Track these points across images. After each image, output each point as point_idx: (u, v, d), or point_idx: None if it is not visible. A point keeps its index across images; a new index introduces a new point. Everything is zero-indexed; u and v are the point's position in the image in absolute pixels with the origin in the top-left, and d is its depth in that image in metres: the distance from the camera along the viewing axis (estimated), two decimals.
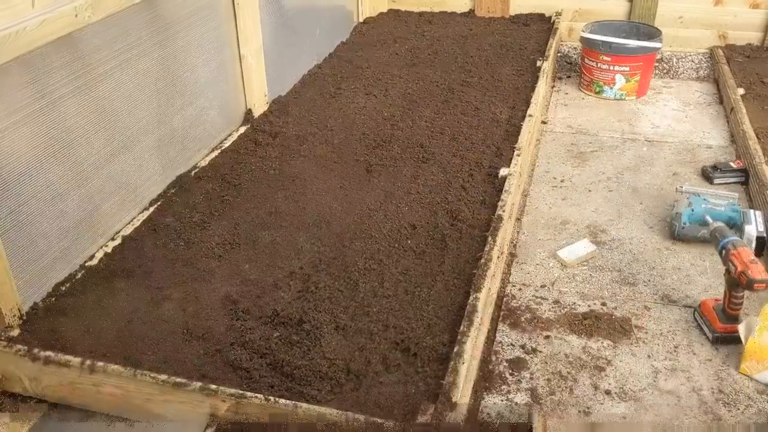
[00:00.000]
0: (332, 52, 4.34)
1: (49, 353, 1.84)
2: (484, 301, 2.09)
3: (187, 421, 1.78)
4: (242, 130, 3.28)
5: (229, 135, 3.23)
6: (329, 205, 2.67)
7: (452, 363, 1.80)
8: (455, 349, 1.85)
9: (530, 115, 3.24)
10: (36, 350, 1.84)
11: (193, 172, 2.90)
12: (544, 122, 3.87)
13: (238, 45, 3.20)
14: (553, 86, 4.38)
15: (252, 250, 2.41)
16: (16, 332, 1.96)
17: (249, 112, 3.37)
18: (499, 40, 4.39)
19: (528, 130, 3.11)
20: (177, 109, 2.82)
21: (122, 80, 2.46)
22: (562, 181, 3.32)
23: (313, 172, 2.91)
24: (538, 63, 3.90)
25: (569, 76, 4.52)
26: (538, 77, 3.69)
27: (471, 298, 2.05)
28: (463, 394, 1.81)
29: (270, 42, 3.50)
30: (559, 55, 4.58)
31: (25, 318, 2.05)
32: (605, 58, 4.00)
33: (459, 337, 1.89)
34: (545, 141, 3.69)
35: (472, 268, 2.26)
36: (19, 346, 1.86)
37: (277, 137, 3.21)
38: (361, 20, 4.85)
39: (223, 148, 3.10)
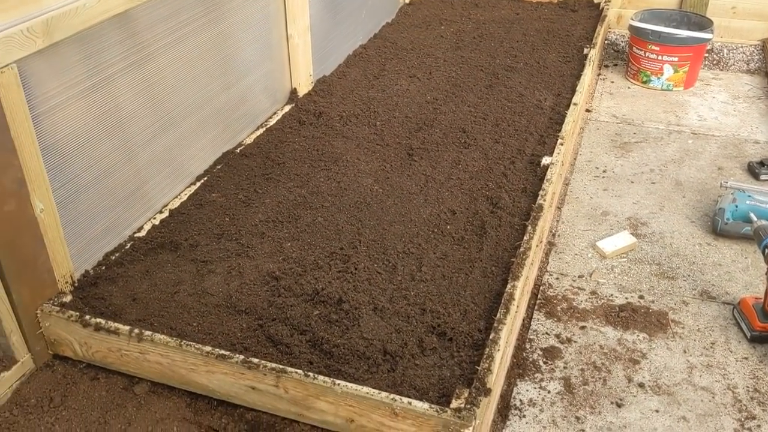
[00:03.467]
0: (377, 32, 4.35)
1: (99, 320, 1.91)
2: (521, 289, 2.11)
3: (229, 392, 1.84)
4: (287, 109, 3.32)
5: (274, 114, 3.27)
6: (370, 187, 2.70)
7: (487, 349, 1.83)
8: (491, 336, 1.87)
9: (575, 104, 3.22)
10: (87, 317, 1.92)
11: (238, 149, 2.96)
12: (588, 111, 3.83)
13: (286, 24, 3.23)
14: (599, 74, 4.32)
15: (294, 229, 2.46)
16: (68, 298, 2.04)
17: (294, 91, 3.41)
18: (546, 26, 4.34)
19: (572, 118, 3.09)
20: (224, 87, 2.86)
21: (173, 58, 2.51)
22: (604, 171, 3.29)
23: (355, 154, 2.94)
24: (585, 50, 3.85)
25: (616, 65, 4.46)
26: (584, 65, 3.65)
27: (508, 286, 2.07)
28: (497, 380, 1.84)
29: (317, 21, 3.53)
30: (606, 42, 4.51)
31: (76, 285, 2.13)
32: (654, 47, 3.94)
33: (495, 325, 1.91)
34: (589, 130, 3.66)
35: (510, 256, 2.27)
36: (71, 312, 1.94)
37: (321, 117, 3.24)
38: (407, 1, 4.84)
39: (267, 126, 3.15)
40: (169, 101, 2.54)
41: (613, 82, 4.23)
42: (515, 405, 2.09)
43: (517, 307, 2.06)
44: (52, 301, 1.99)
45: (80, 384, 1.95)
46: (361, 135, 3.09)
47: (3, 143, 1.75)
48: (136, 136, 2.38)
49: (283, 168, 2.83)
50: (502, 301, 2.00)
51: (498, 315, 1.95)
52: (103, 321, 1.91)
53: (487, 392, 1.71)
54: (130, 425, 1.83)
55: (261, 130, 3.11)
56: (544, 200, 2.49)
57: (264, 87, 3.19)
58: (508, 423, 2.03)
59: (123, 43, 2.26)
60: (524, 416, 2.05)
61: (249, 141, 3.03)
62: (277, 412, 1.83)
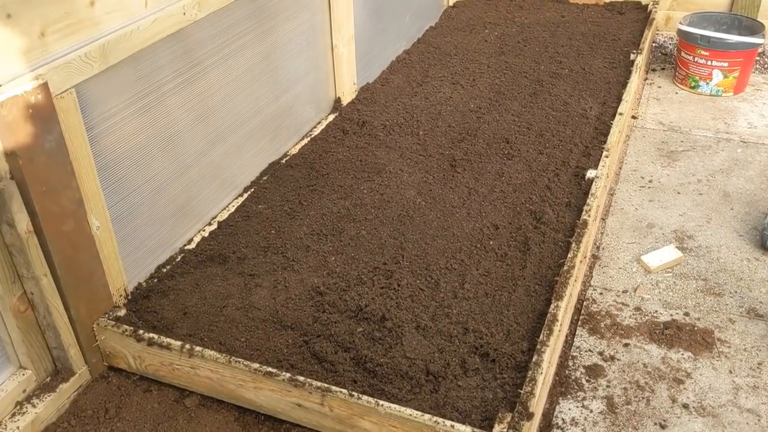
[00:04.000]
0: (421, 37, 4.35)
1: (152, 335, 1.98)
2: (565, 309, 2.12)
3: (276, 408, 1.90)
4: (331, 118, 3.36)
5: (318, 123, 3.32)
6: (413, 200, 2.72)
7: (530, 372, 1.84)
8: (534, 359, 1.88)
9: (621, 114, 3.19)
10: (141, 332, 1.99)
11: (283, 159, 3.01)
12: (634, 117, 3.78)
13: (331, 35, 3.27)
14: (646, 78, 4.26)
15: (338, 242, 2.50)
16: (122, 312, 2.12)
17: (338, 100, 3.45)
18: (592, 29, 4.29)
19: (618, 129, 3.06)
20: (272, 98, 2.92)
21: (224, 72, 2.57)
22: (650, 181, 3.26)
23: (398, 165, 2.97)
24: (632, 56, 3.80)
25: (663, 68, 4.38)
26: (631, 71, 3.60)
27: (552, 306, 2.08)
28: (539, 402, 1.85)
29: (361, 30, 3.56)
30: (654, 44, 4.44)
31: (130, 297, 2.21)
32: (703, 52, 3.86)
33: (538, 347, 1.92)
34: (635, 137, 3.61)
35: (554, 274, 2.27)
36: (126, 327, 2.01)
37: (364, 126, 3.28)
38: (450, 4, 4.83)
39: (312, 136, 3.20)
40: (220, 115, 2.60)
41: (660, 86, 4.16)
42: (557, 424, 2.10)
43: (561, 327, 2.07)
44: (107, 315, 2.06)
45: (134, 395, 2.02)
46: (404, 145, 3.11)
47: (63, 166, 1.82)
48: (187, 151, 2.45)
49: (327, 179, 2.87)
50: (546, 322, 2.01)
51: (541, 336, 1.96)
52: (155, 336, 1.98)
53: (530, 416, 1.73)
54: None
55: (306, 140, 3.16)
56: (589, 216, 2.48)
57: (309, 97, 3.23)
58: None
59: (176, 61, 2.32)
60: None
61: (294, 151, 3.08)
62: (322, 429, 1.88)
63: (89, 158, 1.94)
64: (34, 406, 1.90)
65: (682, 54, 4.01)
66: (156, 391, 2.04)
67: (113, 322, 2.03)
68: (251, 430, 1.93)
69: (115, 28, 2.00)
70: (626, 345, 2.37)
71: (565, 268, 2.23)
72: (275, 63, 2.90)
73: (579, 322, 2.46)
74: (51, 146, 1.77)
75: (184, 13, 2.24)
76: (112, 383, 2.06)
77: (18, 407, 1.90)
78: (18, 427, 1.84)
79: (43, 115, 1.72)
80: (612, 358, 2.32)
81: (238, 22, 2.60)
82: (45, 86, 1.73)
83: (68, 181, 1.85)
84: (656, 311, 2.50)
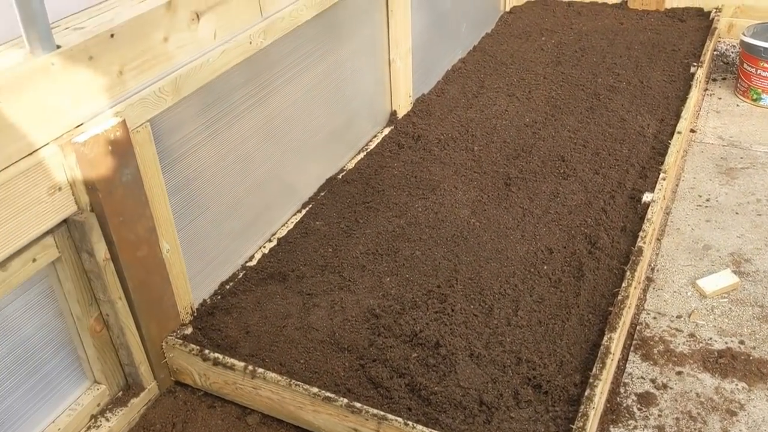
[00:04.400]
0: (477, 44, 4.36)
1: (217, 355, 2.08)
2: (618, 340, 2.13)
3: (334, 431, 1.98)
4: (386, 131, 3.41)
5: (374, 137, 3.38)
6: (467, 220, 2.76)
7: (582, 407, 1.88)
8: (586, 393, 1.92)
9: (679, 132, 3.15)
10: (206, 351, 2.10)
11: (340, 174, 3.08)
12: (693, 131, 3.73)
13: (389, 49, 3.32)
14: (706, 89, 4.18)
15: (393, 262, 2.56)
16: (189, 330, 2.22)
17: (393, 113, 3.50)
18: (651, 38, 4.23)
19: (675, 149, 3.04)
20: (332, 115, 2.99)
21: (289, 93, 2.65)
22: (707, 200, 3.22)
23: (453, 182, 3.01)
24: (692, 69, 3.74)
25: (725, 78, 4.29)
26: (690, 86, 3.55)
27: (605, 338, 2.10)
28: (591, 424, 1.88)
29: (418, 42, 3.59)
30: (715, 53, 4.35)
31: (195, 315, 2.32)
32: (767, 65, 3.77)
33: (591, 380, 1.96)
34: (692, 153, 3.56)
35: (608, 303, 2.29)
36: (193, 346, 2.12)
37: (419, 140, 3.32)
38: (507, 9, 4.81)
39: (368, 150, 3.26)
40: (285, 134, 2.68)
41: (720, 98, 4.08)
42: None
43: (613, 359, 2.09)
44: (175, 334, 2.17)
45: (198, 411, 2.13)
46: (459, 161, 3.15)
47: (138, 197, 1.92)
48: (254, 171, 2.54)
49: (383, 195, 2.93)
50: (599, 354, 2.04)
51: (594, 370, 1.99)
52: (220, 356, 2.08)
53: None
54: None
55: (362, 155, 3.22)
56: (644, 243, 2.48)
57: (366, 112, 3.29)
58: None
59: (244, 87, 2.40)
60: None
61: (350, 166, 3.14)
62: None
63: (161, 186, 2.04)
64: (107, 419, 2.03)
65: (745, 66, 3.92)
66: (220, 407, 2.15)
67: (181, 341, 2.13)
68: None
69: (186, 61, 2.09)
70: (679, 373, 2.37)
71: (619, 297, 2.25)
72: (336, 80, 2.96)
73: (632, 347, 2.46)
74: (128, 179, 1.87)
75: (251, 42, 2.32)
76: (178, 398, 2.17)
77: (92, 420, 2.03)
78: None
79: (121, 150, 1.83)
80: (664, 386, 2.33)
81: (302, 44, 2.67)
82: (123, 123, 1.83)
83: (143, 210, 1.95)
84: (710, 338, 2.50)
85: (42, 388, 1.92)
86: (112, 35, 1.82)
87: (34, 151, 1.68)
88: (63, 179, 1.75)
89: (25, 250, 1.72)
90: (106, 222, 1.83)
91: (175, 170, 2.16)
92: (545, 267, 2.49)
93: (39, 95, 1.66)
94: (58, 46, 1.71)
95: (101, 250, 1.85)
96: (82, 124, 1.78)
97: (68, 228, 1.82)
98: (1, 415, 1.81)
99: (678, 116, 3.32)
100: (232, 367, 2.05)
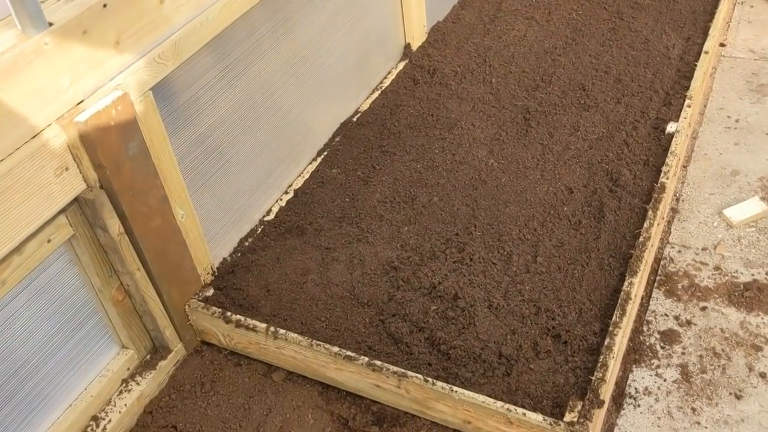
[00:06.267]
0: None
1: (239, 317, 2.11)
2: (639, 284, 2.11)
3: (357, 387, 2.02)
4: (401, 66, 3.31)
5: (389, 73, 3.28)
6: (485, 161, 2.70)
7: (602, 357, 1.88)
8: (606, 342, 1.91)
9: (706, 52, 3.00)
10: (228, 313, 2.13)
11: (355, 117, 3.02)
12: (722, 45, 3.55)
13: None
14: None
15: (411, 210, 2.53)
16: (210, 291, 2.25)
17: (408, 46, 3.38)
18: None
19: (702, 71, 2.90)
20: (347, 53, 2.90)
21: (306, 28, 2.59)
22: (736, 120, 3.09)
23: (470, 119, 2.93)
24: None
25: None
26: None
27: (626, 283, 2.07)
28: (610, 382, 1.89)
29: None
30: None
31: (216, 274, 2.35)
32: None
33: (611, 329, 1.95)
34: (722, 69, 3.40)
35: (629, 246, 2.25)
36: (215, 309, 2.15)
37: (435, 74, 3.22)
38: None
39: (382, 88, 3.17)
40: (302, 77, 2.63)
41: (752, 6, 3.85)
42: (630, 393, 2.13)
43: (634, 302, 2.07)
44: (197, 296, 2.21)
45: (225, 370, 2.19)
46: (476, 95, 3.05)
47: (146, 168, 1.91)
48: (270, 119, 2.50)
49: (399, 138, 2.87)
50: (619, 301, 2.02)
51: (614, 317, 1.98)
52: (242, 318, 2.11)
53: (600, 404, 1.78)
54: (270, 411, 2.05)
55: (376, 94, 3.14)
56: (668, 178, 2.41)
57: (379, 47, 3.18)
58: (622, 413, 2.09)
59: (262, 27, 2.33)
60: (639, 405, 2.10)
61: (365, 107, 3.07)
62: (400, 407, 1.99)
63: (170, 154, 2.02)
64: (138, 383, 2.09)
65: None
66: (246, 365, 2.20)
67: (203, 304, 2.17)
68: (334, 405, 2.07)
69: (185, 21, 2.01)
70: (704, 308, 2.35)
71: (641, 239, 2.21)
72: (352, 15, 2.85)
73: (656, 284, 2.43)
74: (134, 152, 1.85)
75: None
76: (205, 358, 2.23)
77: (124, 384, 2.09)
78: (126, 405, 2.04)
79: (124, 125, 1.80)
80: (688, 322, 2.31)
81: None
82: (124, 96, 1.79)
83: (153, 181, 1.94)
84: (737, 270, 2.45)
85: (74, 356, 1.97)
86: (104, 5, 1.75)
87: (36, 134, 1.66)
88: (69, 159, 1.74)
89: (39, 232, 1.73)
90: (117, 197, 1.83)
91: (183, 135, 2.13)
92: (565, 208, 2.44)
93: (35, 77, 1.62)
94: (50, 24, 1.65)
95: (114, 225, 1.86)
96: (82, 101, 1.74)
97: (80, 206, 1.82)
98: (36, 385, 1.88)
99: (706, 33, 3.16)
100: (254, 329, 2.09)
